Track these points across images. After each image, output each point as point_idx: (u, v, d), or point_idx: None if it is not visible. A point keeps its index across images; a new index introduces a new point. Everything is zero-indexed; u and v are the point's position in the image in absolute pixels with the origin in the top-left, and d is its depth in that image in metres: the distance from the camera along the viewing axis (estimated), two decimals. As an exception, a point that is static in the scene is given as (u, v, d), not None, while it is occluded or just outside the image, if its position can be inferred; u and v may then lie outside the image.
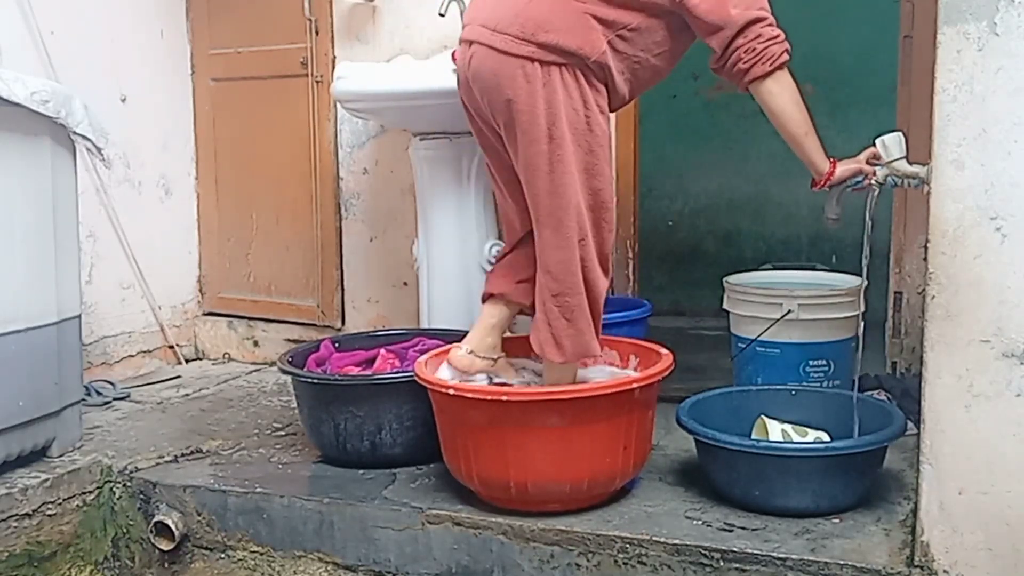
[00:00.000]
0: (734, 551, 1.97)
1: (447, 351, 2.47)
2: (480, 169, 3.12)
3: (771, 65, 2.21)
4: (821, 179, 2.31)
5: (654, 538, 2.03)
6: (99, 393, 3.19)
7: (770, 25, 2.20)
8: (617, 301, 3.09)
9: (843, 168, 2.27)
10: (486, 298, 2.41)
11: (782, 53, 2.22)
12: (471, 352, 2.35)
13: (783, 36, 2.21)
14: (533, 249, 2.27)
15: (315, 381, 2.53)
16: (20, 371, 2.44)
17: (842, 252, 4.03)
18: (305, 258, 3.63)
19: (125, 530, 2.54)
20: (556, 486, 2.14)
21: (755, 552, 1.96)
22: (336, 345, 2.80)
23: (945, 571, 1.85)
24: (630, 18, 2.18)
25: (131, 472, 2.55)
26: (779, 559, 1.94)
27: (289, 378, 2.67)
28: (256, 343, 3.74)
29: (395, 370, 2.62)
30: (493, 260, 3.11)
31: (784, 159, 4.48)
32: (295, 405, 2.69)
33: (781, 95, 2.26)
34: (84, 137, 2.56)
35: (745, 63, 2.22)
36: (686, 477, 2.36)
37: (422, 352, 2.64)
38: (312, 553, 2.33)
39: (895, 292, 3.07)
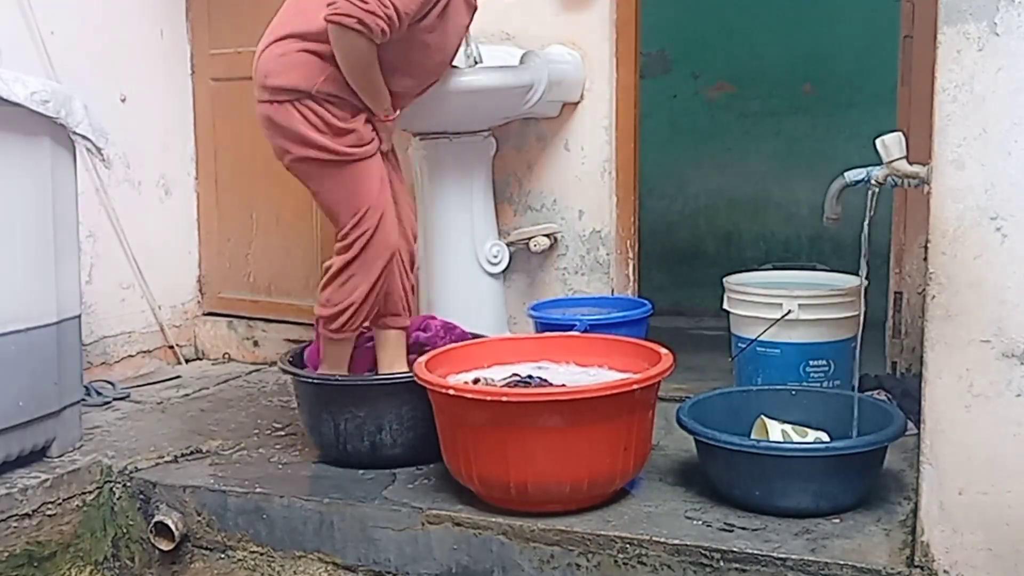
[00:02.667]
0: (734, 551, 1.97)
1: (448, 351, 2.47)
2: (480, 169, 3.13)
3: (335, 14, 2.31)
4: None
5: (654, 538, 2.03)
6: (99, 393, 3.19)
7: None
8: (617, 301, 3.10)
9: None
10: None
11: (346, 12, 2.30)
12: None
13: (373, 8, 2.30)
14: None
15: (315, 381, 2.53)
16: (20, 371, 2.44)
17: (842, 252, 4.02)
18: (305, 258, 3.63)
19: (125, 530, 2.54)
20: (556, 486, 2.14)
21: (755, 552, 1.96)
22: None
23: (945, 571, 1.85)
24: None
25: (131, 472, 2.55)
26: (779, 559, 1.94)
27: (289, 378, 2.67)
28: (256, 343, 3.74)
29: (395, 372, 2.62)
30: (493, 259, 3.12)
31: (784, 159, 4.52)
32: (295, 405, 2.69)
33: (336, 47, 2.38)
34: (84, 137, 2.56)
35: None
36: (686, 477, 2.36)
37: (424, 331, 2.70)
38: (312, 553, 2.33)
39: (895, 292, 3.07)
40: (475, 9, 2.62)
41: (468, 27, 2.65)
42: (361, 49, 2.35)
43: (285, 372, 2.61)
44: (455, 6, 2.50)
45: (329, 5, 2.32)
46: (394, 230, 2.54)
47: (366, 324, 2.60)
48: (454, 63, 2.91)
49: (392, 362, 2.62)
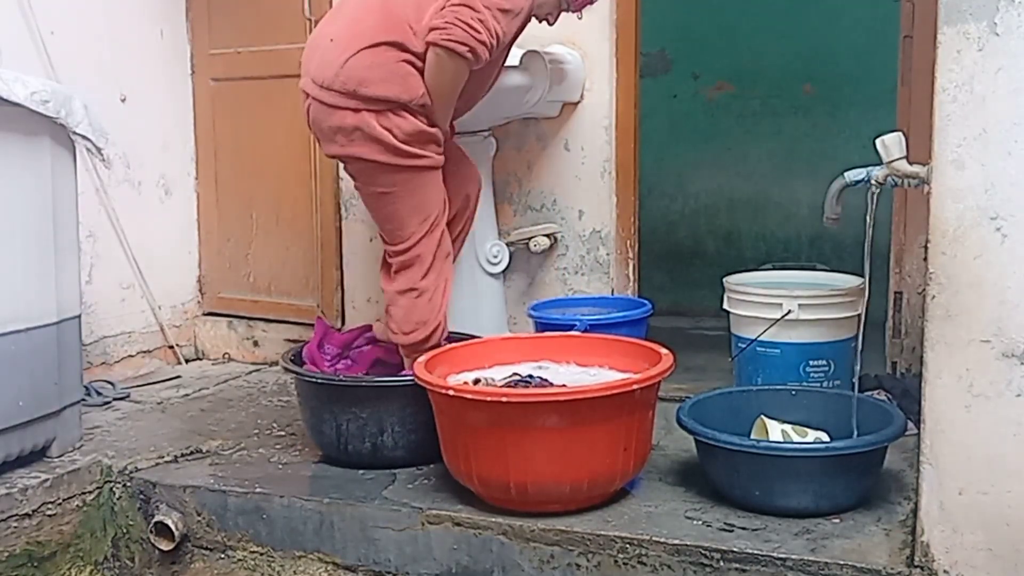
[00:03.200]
0: (734, 551, 1.97)
1: (448, 351, 2.47)
2: (480, 169, 3.12)
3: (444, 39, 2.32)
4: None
5: (654, 538, 2.03)
6: (99, 393, 3.19)
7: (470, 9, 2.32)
8: (617, 301, 3.10)
9: None
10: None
11: (461, 40, 2.31)
12: None
13: (477, 29, 2.31)
14: None
15: (318, 381, 2.53)
16: (20, 371, 2.44)
17: (842, 252, 4.02)
18: (305, 258, 3.63)
19: (125, 530, 2.54)
20: (556, 486, 2.14)
21: (755, 552, 1.96)
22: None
23: (945, 571, 1.85)
24: None
25: (131, 472, 2.55)
26: (779, 559, 1.94)
27: (291, 377, 2.67)
28: (256, 343, 3.74)
29: (401, 374, 2.62)
30: (493, 259, 3.12)
31: (784, 159, 4.52)
32: (295, 405, 2.69)
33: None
34: (84, 137, 2.56)
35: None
36: (686, 477, 2.36)
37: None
38: (312, 553, 2.33)
39: (895, 292, 3.07)
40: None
41: None
42: (462, 73, 2.37)
43: (288, 371, 2.61)
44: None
45: (436, 30, 2.30)
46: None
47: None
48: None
49: None
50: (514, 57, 2.96)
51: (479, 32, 2.28)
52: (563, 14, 2.66)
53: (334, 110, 2.41)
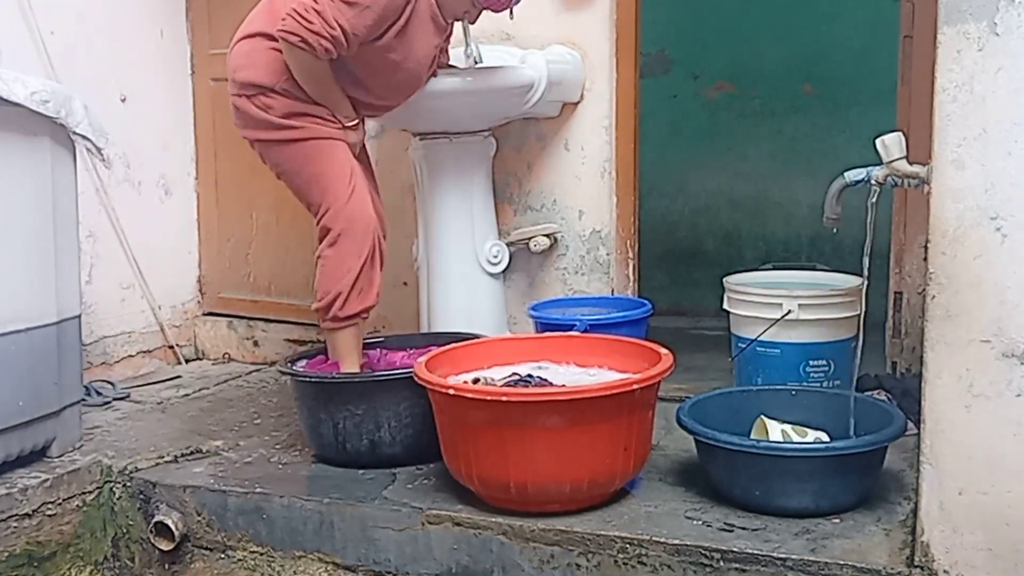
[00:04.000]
0: (734, 551, 1.97)
1: (448, 351, 2.47)
2: (480, 169, 3.13)
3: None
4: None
5: (654, 538, 2.03)
6: (99, 393, 3.19)
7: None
8: (617, 301, 3.10)
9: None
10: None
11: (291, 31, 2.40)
12: None
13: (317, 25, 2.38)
14: None
15: (312, 380, 2.53)
16: (20, 371, 2.44)
17: (842, 252, 4.02)
18: (305, 258, 3.61)
19: (125, 530, 2.54)
20: (556, 486, 2.14)
21: (755, 552, 1.96)
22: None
23: (945, 571, 1.85)
24: None
25: (131, 472, 2.55)
26: (779, 559, 1.94)
27: (288, 380, 2.67)
28: (256, 343, 3.74)
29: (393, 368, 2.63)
30: (493, 259, 3.12)
31: (784, 159, 4.52)
32: (295, 405, 2.69)
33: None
34: (84, 137, 2.56)
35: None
36: (686, 477, 2.36)
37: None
38: (312, 553, 2.33)
39: (895, 292, 3.07)
40: (447, 30, 2.67)
41: (442, 46, 2.70)
42: (308, 63, 2.45)
43: (283, 373, 2.61)
44: (417, 26, 2.53)
45: (281, 19, 2.40)
46: (370, 207, 2.58)
47: (363, 311, 2.60)
48: (453, 63, 2.92)
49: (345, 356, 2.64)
50: (514, 57, 2.97)
51: (311, 23, 2.35)
52: (488, 12, 2.67)
53: (230, 98, 2.61)
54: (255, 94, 2.53)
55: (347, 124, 2.58)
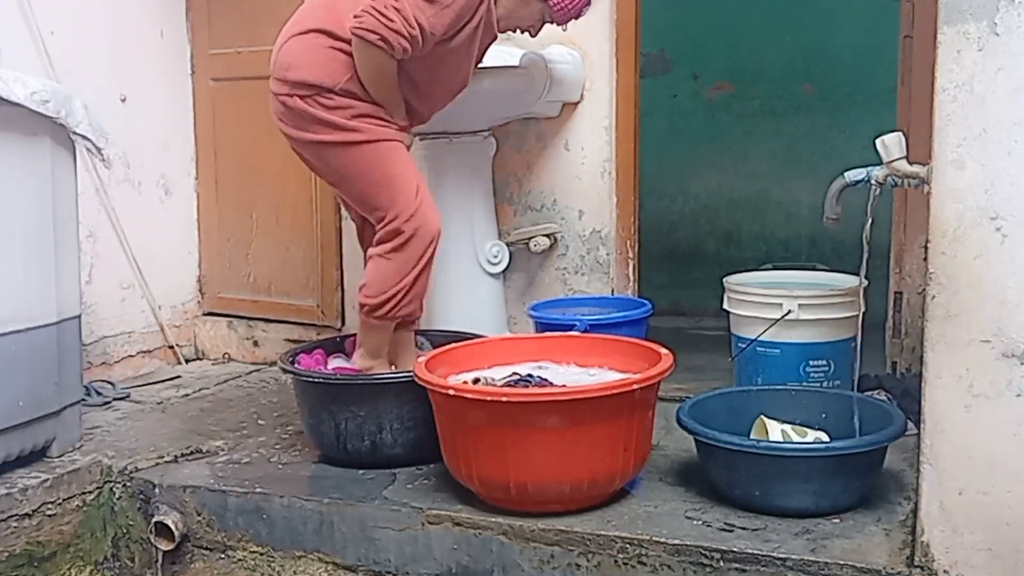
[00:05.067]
0: (734, 551, 1.97)
1: (448, 351, 2.47)
2: (480, 169, 3.13)
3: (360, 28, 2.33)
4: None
5: (654, 538, 2.03)
6: (99, 393, 3.19)
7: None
8: (617, 301, 3.10)
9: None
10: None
11: (371, 28, 2.32)
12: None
13: (393, 19, 2.30)
14: None
15: (316, 380, 2.53)
16: (20, 371, 2.44)
17: (842, 252, 4.02)
18: (305, 258, 3.63)
19: (125, 530, 2.54)
20: (556, 486, 2.14)
21: (755, 552, 1.96)
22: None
23: (945, 571, 1.85)
24: None
25: (131, 472, 2.55)
26: (779, 559, 1.94)
27: (290, 378, 2.67)
28: (256, 343, 3.74)
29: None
30: (493, 259, 3.12)
31: (784, 159, 4.52)
32: (295, 405, 2.69)
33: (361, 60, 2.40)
34: (84, 137, 2.56)
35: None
36: (686, 477, 2.36)
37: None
38: (312, 553, 2.33)
39: (895, 292, 3.07)
40: (495, 36, 2.63)
41: (487, 51, 2.66)
42: (382, 63, 2.37)
43: (285, 371, 2.61)
44: (484, 28, 2.51)
45: (355, 17, 2.32)
46: (436, 212, 2.51)
47: (411, 313, 2.55)
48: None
49: (407, 361, 2.59)
50: (514, 57, 2.97)
51: (392, 21, 2.28)
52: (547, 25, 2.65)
53: (275, 96, 2.49)
54: (312, 94, 2.40)
55: (402, 125, 2.52)
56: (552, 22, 2.61)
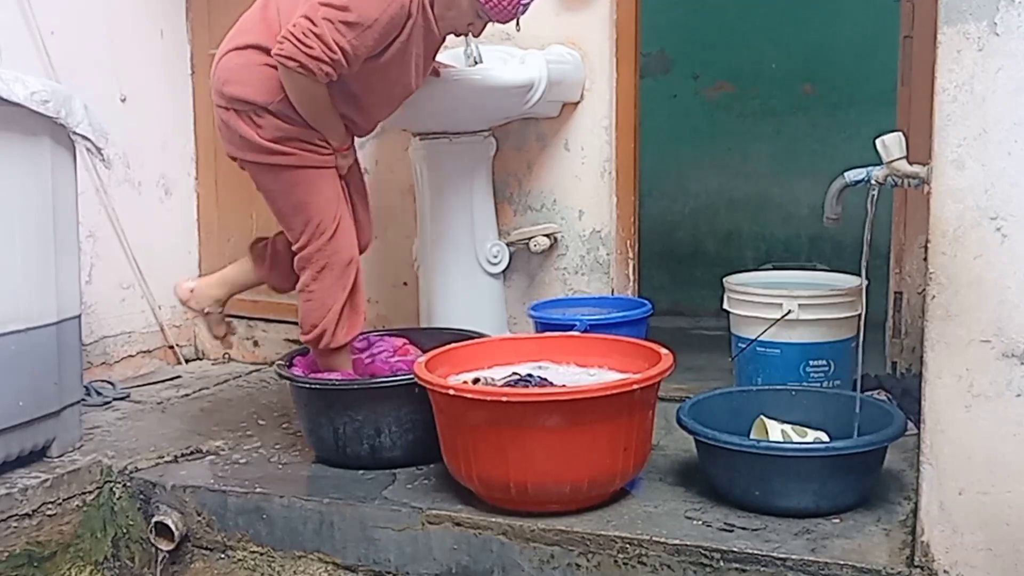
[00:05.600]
0: (734, 551, 1.97)
1: (448, 351, 2.47)
2: (480, 169, 3.13)
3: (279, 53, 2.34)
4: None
5: (654, 538, 2.03)
6: (99, 393, 3.19)
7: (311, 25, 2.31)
8: (617, 301, 3.10)
9: None
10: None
11: (289, 55, 2.32)
12: (192, 290, 2.78)
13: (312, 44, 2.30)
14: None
15: (313, 386, 2.52)
16: (20, 371, 2.44)
17: (842, 252, 4.02)
18: (305, 258, 3.62)
19: (125, 530, 2.54)
20: (556, 486, 2.14)
21: (755, 552, 1.96)
22: None
23: (945, 571, 1.85)
24: None
25: (131, 472, 2.55)
26: (779, 559, 1.94)
27: (288, 384, 2.67)
28: (256, 343, 3.74)
29: (393, 373, 2.62)
30: (493, 259, 3.12)
31: (784, 159, 4.52)
32: (295, 409, 2.69)
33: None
34: (84, 137, 2.56)
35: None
36: (686, 477, 2.36)
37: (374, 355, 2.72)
38: (312, 553, 2.33)
39: (895, 292, 3.07)
40: (442, 42, 2.60)
41: (434, 54, 2.62)
42: (308, 88, 2.36)
43: (282, 377, 2.61)
44: (417, 40, 2.46)
45: (277, 43, 2.31)
46: (354, 238, 2.54)
47: (352, 339, 2.60)
48: (453, 63, 2.92)
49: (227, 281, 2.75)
50: (514, 57, 2.97)
51: (310, 48, 2.26)
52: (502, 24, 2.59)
53: (215, 109, 2.52)
54: (245, 111, 2.43)
55: (340, 149, 2.52)
56: (492, 21, 2.53)
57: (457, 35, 2.62)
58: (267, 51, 2.38)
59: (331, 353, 2.58)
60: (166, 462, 2.62)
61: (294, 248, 2.54)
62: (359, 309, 2.58)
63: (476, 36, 2.64)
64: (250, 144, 2.46)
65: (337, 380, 2.56)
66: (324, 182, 2.50)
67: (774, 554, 1.95)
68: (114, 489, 2.55)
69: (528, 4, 2.51)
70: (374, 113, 2.60)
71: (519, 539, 2.13)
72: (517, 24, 2.56)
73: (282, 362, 2.66)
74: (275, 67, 2.37)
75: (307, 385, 2.53)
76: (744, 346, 2.78)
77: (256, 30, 2.45)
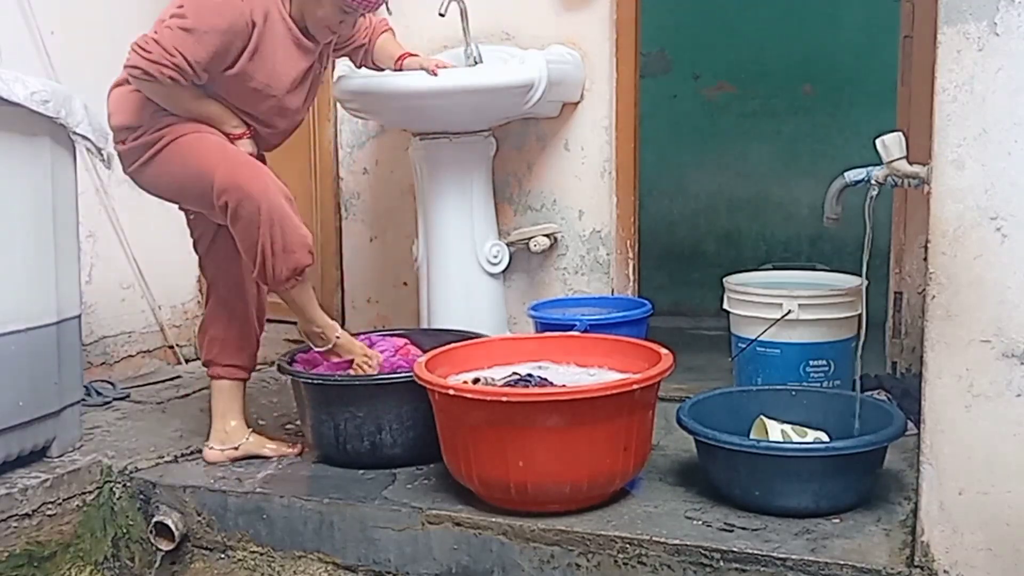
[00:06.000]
0: (734, 551, 1.97)
1: (448, 351, 2.47)
2: (480, 169, 3.13)
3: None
4: None
5: (654, 538, 2.03)
6: (99, 393, 3.19)
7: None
8: (617, 301, 3.10)
9: None
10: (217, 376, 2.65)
11: (132, 64, 2.34)
12: (221, 450, 2.62)
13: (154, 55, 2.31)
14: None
15: (316, 382, 2.53)
16: (20, 371, 2.44)
17: (842, 252, 4.02)
18: (305, 258, 3.62)
19: (125, 530, 2.54)
20: (556, 486, 2.14)
21: (755, 552, 1.96)
22: None
23: (945, 571, 1.85)
24: None
25: (131, 472, 2.55)
26: (779, 559, 1.94)
27: (289, 378, 2.67)
28: (256, 343, 3.73)
29: (394, 370, 2.62)
30: (493, 259, 3.12)
31: (784, 159, 4.52)
32: (295, 405, 2.69)
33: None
34: (84, 137, 2.56)
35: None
36: (686, 477, 2.36)
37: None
38: (312, 553, 2.33)
39: (895, 292, 3.07)
40: (318, 50, 2.52)
41: (319, 69, 2.57)
42: (160, 91, 2.38)
43: (284, 372, 2.61)
44: (275, 49, 2.41)
45: (130, 51, 2.34)
46: (260, 179, 2.39)
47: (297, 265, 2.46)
48: (453, 63, 2.92)
49: (224, 412, 2.63)
50: (514, 57, 2.97)
51: (149, 52, 2.29)
52: (368, 17, 2.59)
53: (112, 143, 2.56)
54: (127, 137, 2.47)
55: (235, 134, 2.46)
56: (356, 13, 2.47)
57: (338, 39, 2.57)
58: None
59: (291, 289, 2.49)
60: (166, 462, 2.62)
61: (219, 209, 2.40)
62: (293, 239, 2.39)
63: (349, 34, 2.62)
64: (138, 150, 2.47)
65: (339, 376, 2.56)
66: (208, 139, 2.43)
67: (774, 554, 1.95)
68: (114, 489, 2.55)
69: None
70: (264, 123, 2.53)
71: (519, 539, 2.13)
72: (387, 8, 2.53)
73: (284, 359, 2.66)
74: (139, 90, 2.41)
75: (309, 381, 2.53)
76: (744, 346, 2.78)
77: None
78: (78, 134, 2.55)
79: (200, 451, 2.69)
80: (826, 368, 2.70)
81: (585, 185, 3.21)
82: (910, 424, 2.21)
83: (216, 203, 2.40)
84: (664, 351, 2.30)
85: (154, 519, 2.46)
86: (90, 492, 2.54)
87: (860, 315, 2.39)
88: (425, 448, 2.42)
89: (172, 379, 3.49)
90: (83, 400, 2.79)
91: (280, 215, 2.37)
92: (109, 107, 2.51)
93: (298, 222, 2.41)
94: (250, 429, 2.65)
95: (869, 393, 2.64)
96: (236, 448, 2.60)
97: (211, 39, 2.32)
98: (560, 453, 2.11)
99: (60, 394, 2.58)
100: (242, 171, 2.39)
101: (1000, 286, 1.75)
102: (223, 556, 2.43)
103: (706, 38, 4.55)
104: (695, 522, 2.11)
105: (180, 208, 2.70)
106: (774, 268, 3.19)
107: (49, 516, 2.44)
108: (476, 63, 3.03)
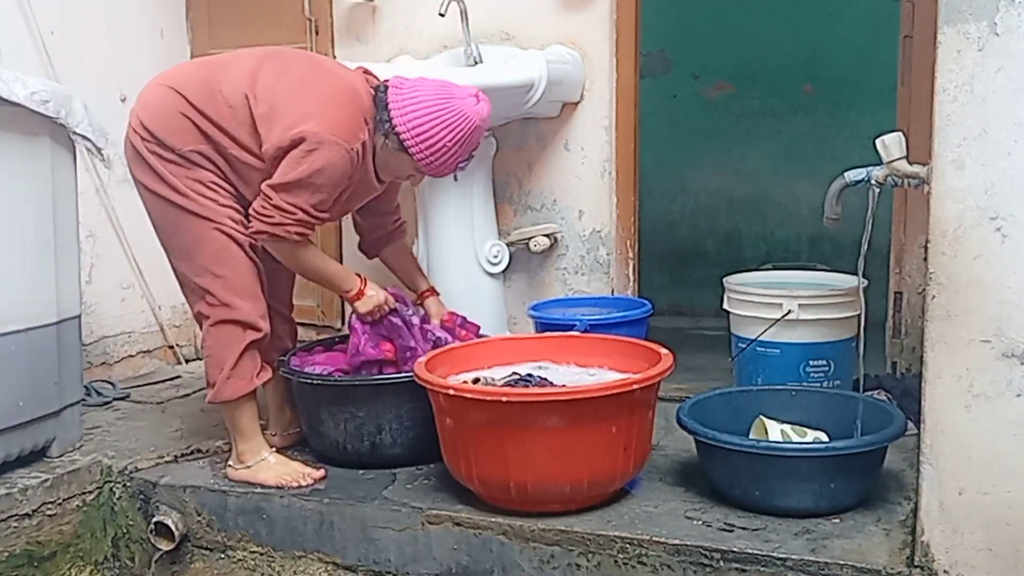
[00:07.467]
0: (734, 551, 1.97)
1: (448, 351, 2.47)
2: (480, 169, 3.13)
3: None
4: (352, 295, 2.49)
5: (654, 538, 2.03)
6: (99, 393, 3.19)
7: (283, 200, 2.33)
8: (617, 301, 3.10)
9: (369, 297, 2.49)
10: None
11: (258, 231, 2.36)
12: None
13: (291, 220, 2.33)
14: None
15: (316, 382, 2.52)
16: (20, 371, 2.44)
17: (842, 252, 4.03)
18: (305, 258, 3.62)
19: (125, 530, 2.54)
20: (556, 486, 2.14)
21: (755, 552, 1.96)
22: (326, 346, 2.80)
23: (945, 571, 1.85)
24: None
25: (131, 472, 2.55)
26: (779, 559, 1.94)
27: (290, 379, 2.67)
28: (256, 343, 3.73)
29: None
30: (493, 259, 3.12)
31: (784, 159, 4.52)
32: (295, 405, 2.69)
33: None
34: (84, 137, 2.56)
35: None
36: (686, 477, 2.36)
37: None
38: (312, 553, 2.33)
39: (895, 292, 3.07)
40: (380, 184, 2.52)
41: (367, 197, 2.58)
42: (287, 250, 2.38)
43: (284, 373, 2.61)
44: (357, 188, 2.45)
45: (251, 218, 2.33)
46: (250, 312, 2.42)
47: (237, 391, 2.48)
48: (453, 63, 2.92)
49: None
50: (514, 57, 2.97)
51: (271, 216, 2.30)
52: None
53: (128, 126, 2.48)
54: (153, 144, 2.39)
55: (352, 295, 2.47)
56: (427, 175, 2.51)
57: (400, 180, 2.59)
58: (193, 106, 2.36)
59: (232, 408, 2.49)
60: (166, 462, 2.62)
61: (195, 311, 2.48)
62: (244, 375, 2.45)
63: (415, 185, 2.76)
64: (157, 172, 2.41)
65: (340, 376, 2.56)
66: (219, 238, 2.40)
67: (774, 554, 1.95)
68: (114, 489, 2.55)
69: (467, 164, 2.49)
70: (359, 201, 2.58)
71: (519, 539, 2.13)
72: (455, 176, 2.57)
73: (284, 359, 2.66)
74: (191, 119, 2.36)
75: (310, 381, 2.53)
76: (744, 346, 2.78)
77: (190, 81, 2.41)
78: (78, 134, 2.55)
79: (200, 451, 2.69)
80: (826, 368, 2.70)
81: (585, 185, 3.21)
82: (910, 424, 2.21)
83: (191, 297, 2.49)
84: (664, 351, 2.31)
85: (154, 519, 2.46)
86: (90, 492, 2.54)
87: (860, 315, 2.39)
88: (425, 448, 2.42)
89: (172, 379, 3.49)
90: (83, 400, 2.79)
91: (252, 350, 2.45)
92: (149, 100, 2.43)
93: (258, 360, 2.48)
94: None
95: (869, 393, 2.64)
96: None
97: (327, 189, 2.33)
98: (560, 453, 2.11)
99: (60, 394, 2.58)
100: (240, 302, 2.42)
101: (1000, 286, 1.75)
102: (223, 556, 2.43)
103: (706, 38, 4.55)
104: (695, 522, 2.11)
105: None
106: (774, 268, 3.19)
107: (49, 516, 2.44)
108: (476, 63, 3.02)
